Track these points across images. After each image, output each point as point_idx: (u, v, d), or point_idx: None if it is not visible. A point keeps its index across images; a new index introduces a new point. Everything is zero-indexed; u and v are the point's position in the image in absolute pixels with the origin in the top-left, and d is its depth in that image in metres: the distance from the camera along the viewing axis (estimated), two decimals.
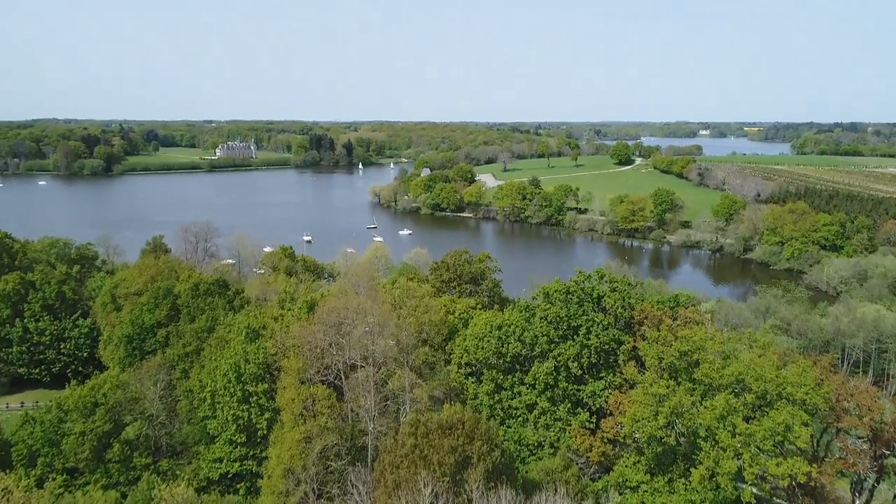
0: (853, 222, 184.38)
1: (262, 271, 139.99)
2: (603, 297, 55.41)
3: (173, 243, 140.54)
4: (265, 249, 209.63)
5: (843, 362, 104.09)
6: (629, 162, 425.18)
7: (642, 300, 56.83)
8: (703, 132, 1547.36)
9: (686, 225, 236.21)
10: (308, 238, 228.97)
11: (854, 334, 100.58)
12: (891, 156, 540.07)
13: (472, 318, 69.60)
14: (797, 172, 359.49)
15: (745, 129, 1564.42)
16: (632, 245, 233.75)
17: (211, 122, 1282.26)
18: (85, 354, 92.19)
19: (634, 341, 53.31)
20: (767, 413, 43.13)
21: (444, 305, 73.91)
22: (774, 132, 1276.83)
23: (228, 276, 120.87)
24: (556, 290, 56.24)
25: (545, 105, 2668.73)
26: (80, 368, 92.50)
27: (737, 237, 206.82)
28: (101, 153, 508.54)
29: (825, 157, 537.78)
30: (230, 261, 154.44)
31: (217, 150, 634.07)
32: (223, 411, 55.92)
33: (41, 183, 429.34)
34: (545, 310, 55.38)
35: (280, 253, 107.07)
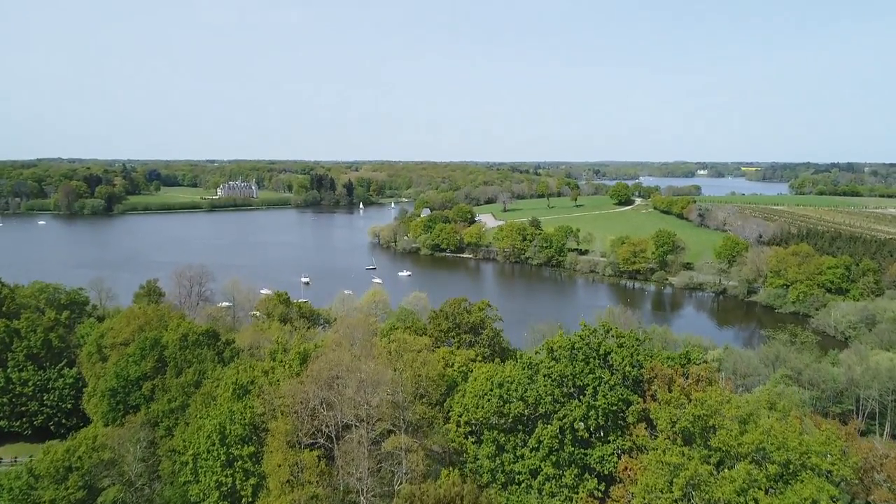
0: (858, 265, 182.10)
1: (258, 313, 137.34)
2: (610, 353, 52.46)
3: (168, 286, 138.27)
4: (262, 292, 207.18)
5: (857, 414, 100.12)
6: (629, 202, 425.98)
7: (651, 357, 53.79)
8: (701, 172, 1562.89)
9: (688, 267, 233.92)
10: (306, 280, 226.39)
11: (868, 385, 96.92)
12: (889, 196, 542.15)
13: (472, 371, 66.54)
14: (797, 213, 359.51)
15: (743, 168, 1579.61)
16: (633, 287, 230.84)
17: (214, 161, 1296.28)
18: (69, 406, 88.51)
19: (644, 402, 50.15)
20: (791, 485, 39.80)
21: (443, 357, 70.86)
22: (772, 172, 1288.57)
23: (222, 321, 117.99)
24: (560, 346, 53.32)
25: (544, 145, 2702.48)
26: (64, 421, 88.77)
27: (740, 279, 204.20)
28: (103, 193, 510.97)
29: (824, 197, 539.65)
30: (225, 304, 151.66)
31: (218, 190, 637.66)
32: (206, 476, 52.35)
33: (41, 223, 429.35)
34: (549, 367, 52.38)
35: (275, 299, 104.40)
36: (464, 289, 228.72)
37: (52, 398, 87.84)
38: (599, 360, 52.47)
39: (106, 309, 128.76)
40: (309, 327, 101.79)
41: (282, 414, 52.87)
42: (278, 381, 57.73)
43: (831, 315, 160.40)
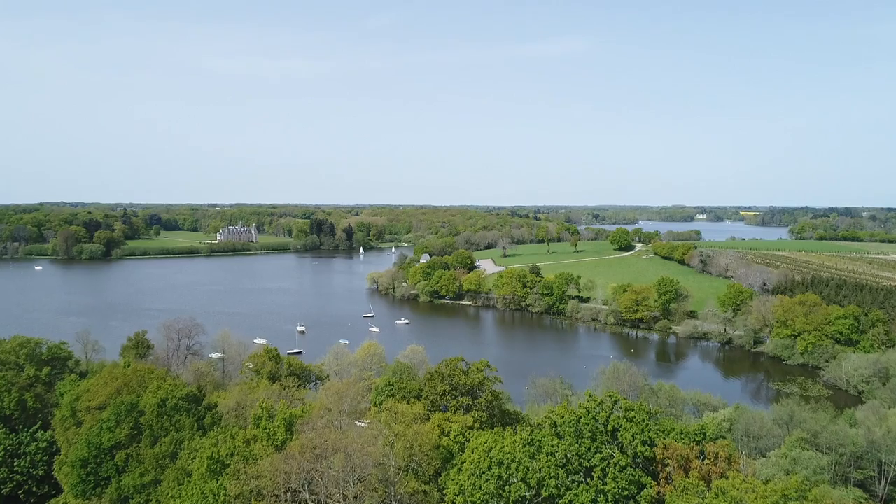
0: (867, 315, 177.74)
1: (250, 364, 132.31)
2: (619, 429, 48.12)
3: (157, 337, 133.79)
4: (256, 341, 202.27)
5: (879, 480, 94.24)
6: (629, 247, 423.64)
7: (664, 432, 49.41)
8: (700, 216, 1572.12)
9: (692, 315, 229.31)
10: (301, 328, 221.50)
11: (891, 448, 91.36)
12: (890, 241, 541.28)
13: (470, 440, 61.85)
14: (799, 259, 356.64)
15: (742, 212, 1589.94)
16: (636, 336, 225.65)
17: (216, 205, 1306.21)
18: (41, 472, 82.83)
19: (658, 485, 45.57)
20: None
21: (438, 425, 66.22)
22: (770, 216, 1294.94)
23: (210, 376, 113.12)
24: (564, 421, 49.03)
25: (544, 189, 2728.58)
26: (35, 489, 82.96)
27: (746, 329, 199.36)
28: (101, 238, 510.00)
29: (825, 242, 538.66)
30: (217, 355, 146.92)
31: (218, 235, 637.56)
32: None
33: (37, 268, 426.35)
34: (553, 445, 47.95)
35: (264, 355, 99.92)
36: (463, 338, 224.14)
37: (22, 464, 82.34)
38: (608, 436, 48.14)
39: (91, 363, 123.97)
40: (299, 386, 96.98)
41: (260, 497, 48.14)
42: (256, 459, 52.97)
43: (842, 368, 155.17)
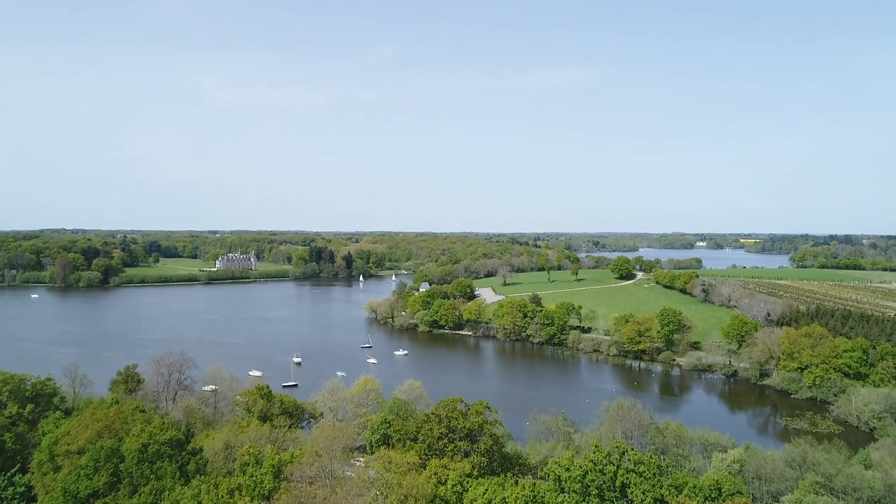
0: (875, 348, 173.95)
1: (240, 398, 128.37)
2: (628, 485, 44.75)
3: (148, 371, 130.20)
4: (251, 373, 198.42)
5: None
6: (631, 276, 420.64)
7: (676, 489, 45.99)
8: (700, 244, 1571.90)
9: (695, 346, 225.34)
10: (298, 359, 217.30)
11: None
12: (891, 269, 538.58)
13: (469, 490, 58.24)
14: (802, 288, 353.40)
15: (741, 240, 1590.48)
16: (639, 367, 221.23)
17: (216, 232, 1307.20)
18: None
19: None
20: None
21: (435, 473, 62.58)
22: (771, 244, 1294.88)
23: (200, 413, 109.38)
24: (569, 477, 45.65)
25: (544, 217, 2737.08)
26: None
27: (751, 361, 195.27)
28: (99, 265, 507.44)
29: (826, 270, 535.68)
30: (211, 387, 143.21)
31: (217, 262, 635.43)
32: None
33: (34, 296, 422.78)
34: (557, 502, 44.52)
35: (255, 392, 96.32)
36: (463, 370, 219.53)
37: None
38: (616, 492, 44.73)
39: (78, 399, 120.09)
40: (291, 425, 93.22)
41: None
42: None
43: (852, 403, 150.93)
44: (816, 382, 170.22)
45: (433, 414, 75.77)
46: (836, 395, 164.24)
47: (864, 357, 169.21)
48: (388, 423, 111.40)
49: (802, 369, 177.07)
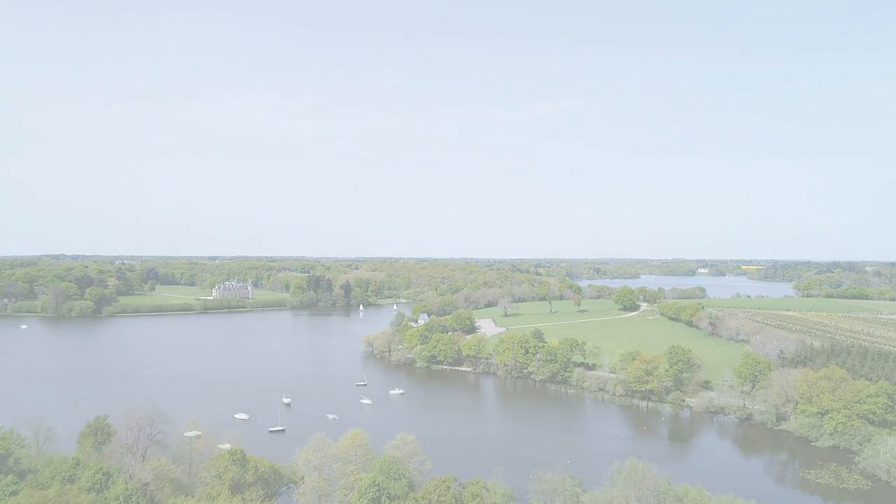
0: None
1: (228, 446, 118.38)
2: None
3: (120, 421, 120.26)
4: (237, 416, 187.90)
5: None
6: (634, 307, 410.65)
7: None
8: (702, 270, 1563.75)
9: (706, 385, 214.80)
10: (287, 400, 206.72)
11: None
12: None
13: None
14: (811, 320, 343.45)
15: (743, 266, 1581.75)
16: (647, 408, 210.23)
17: (216, 258, 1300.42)
18: None
19: None
20: None
21: None
22: (773, 271, 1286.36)
23: (169, 475, 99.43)
24: None
25: (544, 243, 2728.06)
26: None
27: (767, 404, 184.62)
28: (92, 294, 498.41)
29: (834, 300, 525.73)
30: (194, 433, 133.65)
31: (213, 290, 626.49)
32: None
33: (23, 327, 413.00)
34: None
35: (227, 457, 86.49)
36: (461, 411, 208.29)
37: None
38: None
39: (40, 456, 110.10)
40: (267, 495, 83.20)
41: None
42: None
43: (880, 455, 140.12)
44: (838, 429, 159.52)
45: (422, 497, 66.07)
46: (860, 444, 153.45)
47: (890, 403, 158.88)
48: (378, 485, 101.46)
49: (822, 414, 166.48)
